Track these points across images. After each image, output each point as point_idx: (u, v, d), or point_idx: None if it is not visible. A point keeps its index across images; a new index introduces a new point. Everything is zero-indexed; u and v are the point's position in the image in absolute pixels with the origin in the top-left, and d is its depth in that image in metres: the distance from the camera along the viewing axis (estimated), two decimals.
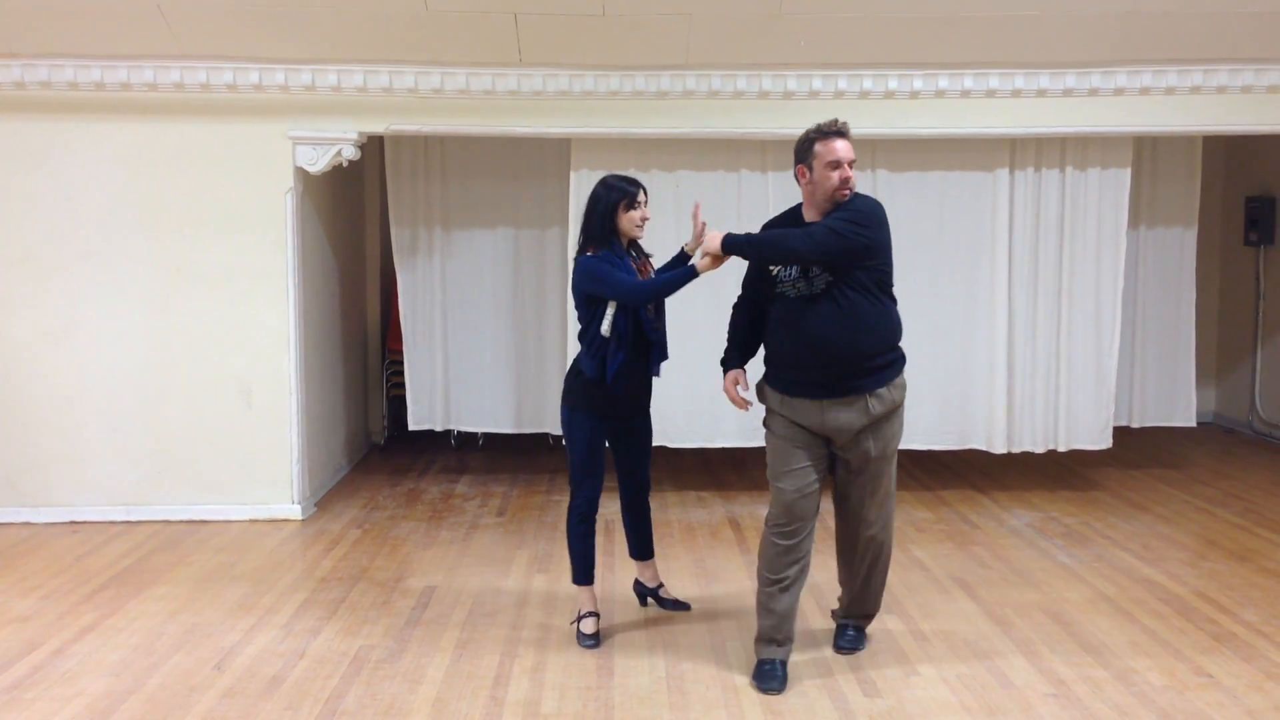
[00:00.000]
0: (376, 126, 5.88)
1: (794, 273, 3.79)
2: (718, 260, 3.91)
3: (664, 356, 4.25)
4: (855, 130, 3.89)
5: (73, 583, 4.92)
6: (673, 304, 4.31)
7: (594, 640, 4.19)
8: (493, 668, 3.99)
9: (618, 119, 5.89)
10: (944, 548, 5.45)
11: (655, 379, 4.30)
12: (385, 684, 3.85)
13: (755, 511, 6.10)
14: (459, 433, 7.55)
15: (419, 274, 6.93)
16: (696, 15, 5.40)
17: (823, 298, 3.74)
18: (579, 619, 4.25)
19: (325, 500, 6.40)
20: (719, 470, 7.04)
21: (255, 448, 5.95)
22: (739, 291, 4.11)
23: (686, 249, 4.20)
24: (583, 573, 4.27)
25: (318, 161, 5.86)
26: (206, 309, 5.88)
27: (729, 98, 5.86)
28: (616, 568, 5.08)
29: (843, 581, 4.19)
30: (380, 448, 7.87)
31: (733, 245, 3.85)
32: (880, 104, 5.88)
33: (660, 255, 4.41)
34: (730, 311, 4.13)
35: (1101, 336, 6.44)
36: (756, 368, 4.04)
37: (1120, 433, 6.89)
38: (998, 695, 3.75)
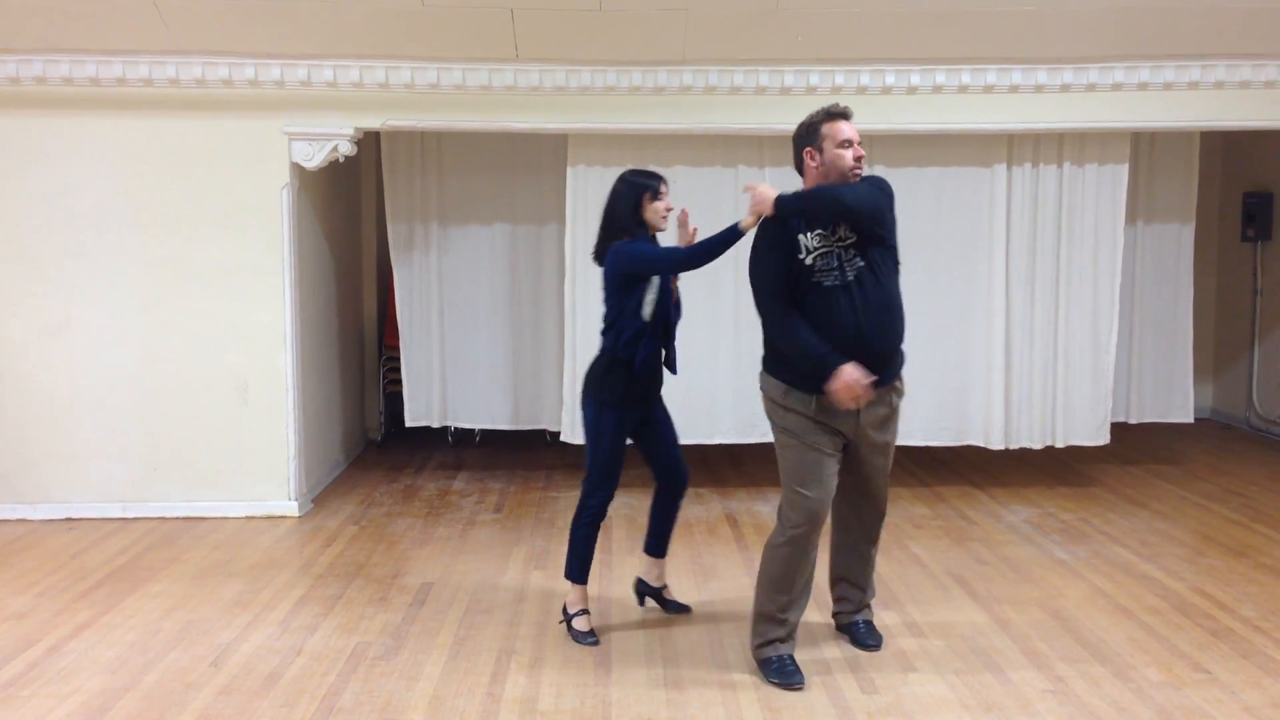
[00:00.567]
0: (373, 122, 5.86)
1: (832, 261, 3.67)
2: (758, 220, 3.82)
3: (673, 353, 4.25)
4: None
5: (69, 579, 4.91)
6: None
7: (594, 637, 4.19)
8: (490, 664, 3.99)
9: (614, 114, 5.88)
10: (941, 544, 5.45)
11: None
12: (382, 681, 3.84)
13: (753, 508, 6.09)
14: (456, 429, 7.54)
15: (416, 270, 6.91)
16: (693, 10, 5.39)
17: (855, 285, 3.66)
18: (571, 617, 4.24)
19: (322, 497, 6.39)
20: (716, 467, 7.03)
21: (252, 444, 5.93)
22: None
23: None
24: (581, 571, 4.26)
25: (314, 157, 5.84)
26: (202, 305, 5.87)
27: (726, 93, 5.85)
28: (614, 565, 5.08)
29: (844, 580, 4.18)
30: (377, 444, 7.86)
31: (785, 204, 3.69)
32: (878, 99, 5.87)
33: None
34: (780, 321, 3.74)
35: (1099, 332, 6.44)
36: (756, 367, 4.02)
37: (1118, 428, 6.88)
38: (995, 692, 3.75)
